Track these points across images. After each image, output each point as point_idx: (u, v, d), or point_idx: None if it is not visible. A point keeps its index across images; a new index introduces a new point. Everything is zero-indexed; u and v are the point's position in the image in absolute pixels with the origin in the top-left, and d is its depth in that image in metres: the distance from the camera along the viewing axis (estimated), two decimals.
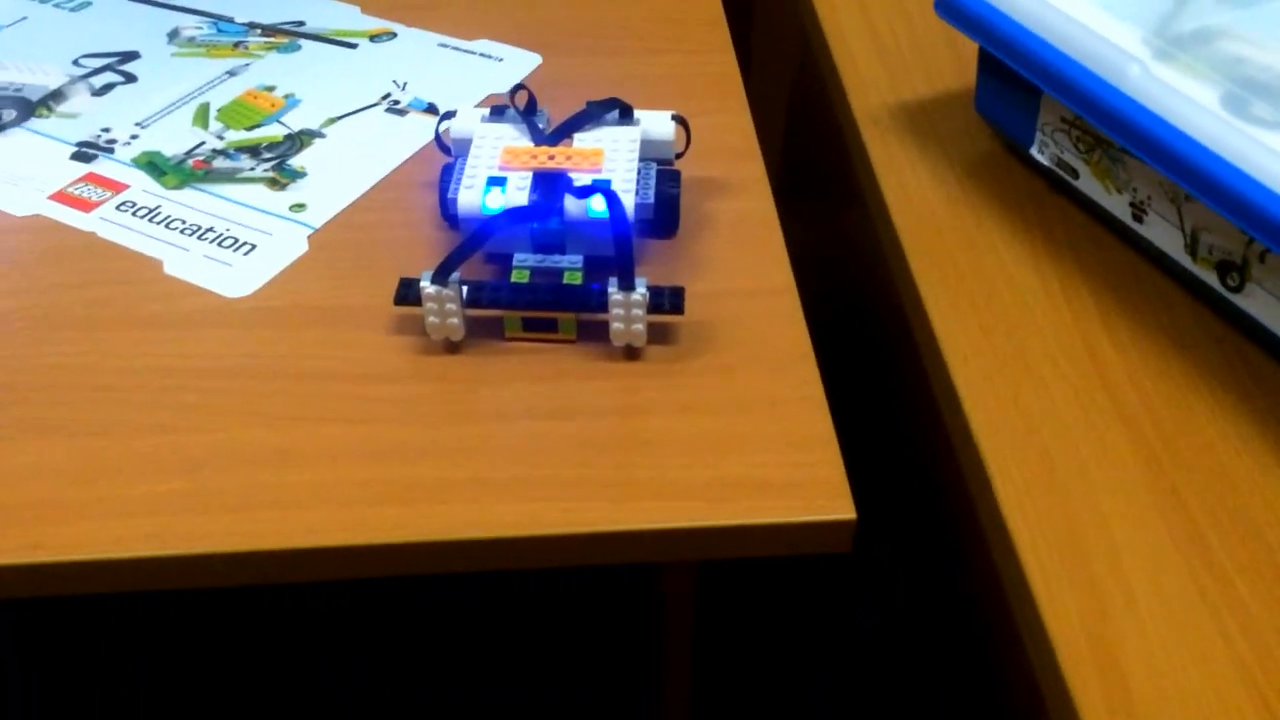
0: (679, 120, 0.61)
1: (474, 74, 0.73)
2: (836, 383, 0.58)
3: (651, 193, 0.58)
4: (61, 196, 0.62)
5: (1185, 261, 0.55)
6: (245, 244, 0.60)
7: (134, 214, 0.61)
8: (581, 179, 0.55)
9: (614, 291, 0.52)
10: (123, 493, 0.47)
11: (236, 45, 0.75)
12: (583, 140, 0.59)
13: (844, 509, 0.47)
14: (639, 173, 0.58)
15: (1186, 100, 0.52)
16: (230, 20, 0.77)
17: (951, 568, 0.62)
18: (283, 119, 0.69)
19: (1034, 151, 0.62)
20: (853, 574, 0.89)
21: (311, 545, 0.46)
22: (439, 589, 1.07)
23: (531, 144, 0.58)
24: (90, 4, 0.79)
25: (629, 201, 0.54)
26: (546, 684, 0.99)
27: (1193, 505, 0.46)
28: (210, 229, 0.61)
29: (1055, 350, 0.53)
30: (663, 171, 0.60)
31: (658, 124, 0.60)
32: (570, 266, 0.55)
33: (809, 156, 1.12)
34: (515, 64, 0.74)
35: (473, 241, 0.52)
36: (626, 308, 0.52)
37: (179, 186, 0.63)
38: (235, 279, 0.58)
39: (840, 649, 0.99)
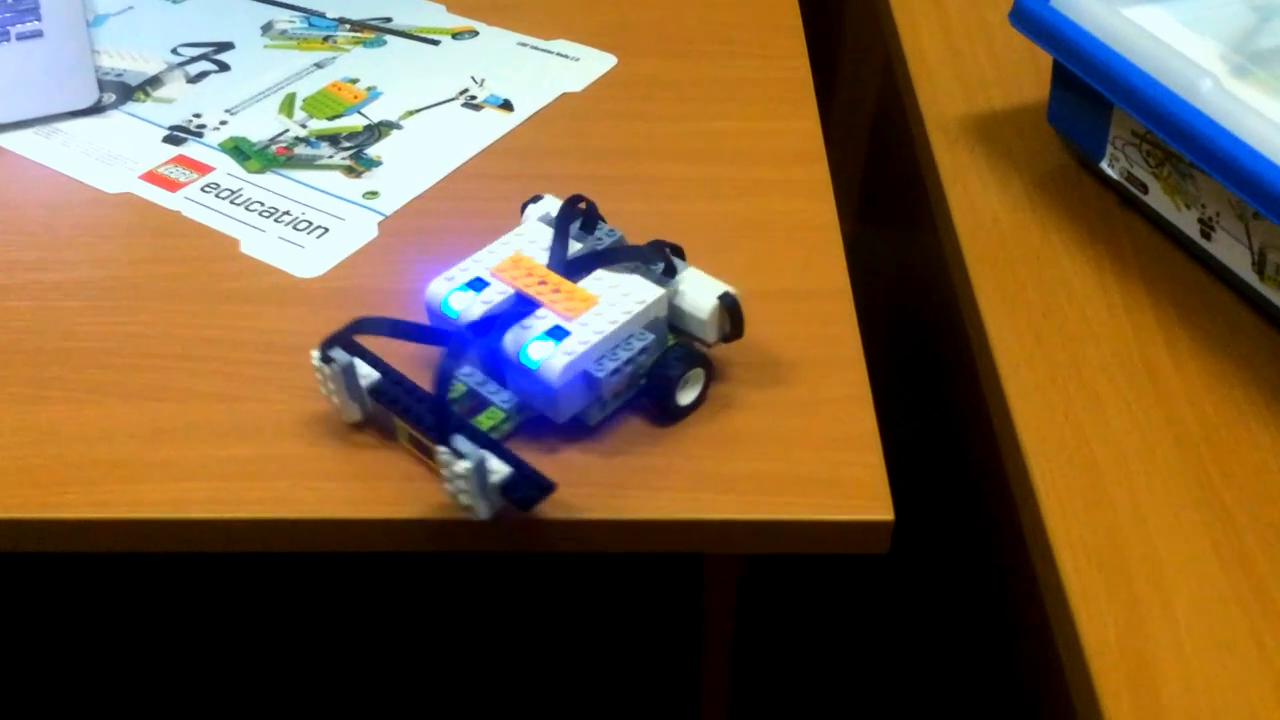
0: (729, 303, 0.50)
1: (550, 72, 0.74)
2: (892, 388, 0.58)
3: (629, 366, 0.49)
4: (151, 176, 0.65)
5: (1252, 280, 0.54)
6: (319, 227, 0.62)
7: (217, 195, 0.64)
8: (544, 320, 0.48)
9: (440, 448, 0.44)
10: (186, 456, 0.50)
11: (326, 39, 0.78)
12: (593, 281, 0.51)
13: (882, 510, 0.47)
14: (629, 340, 0.49)
15: (1258, 116, 0.51)
16: (322, 15, 0.80)
17: (990, 574, 0.61)
18: (363, 110, 0.71)
19: (1104, 165, 0.61)
20: (892, 576, 0.88)
21: (371, 516, 0.47)
22: (484, 571, 1.09)
23: (544, 262, 0.51)
24: None
25: (560, 362, 0.46)
26: (586, 670, 1.00)
27: (1242, 525, 0.45)
28: (287, 212, 0.63)
29: (1112, 364, 0.53)
30: (679, 349, 0.50)
31: (698, 295, 0.50)
32: (500, 405, 0.49)
33: (890, 172, 1.12)
34: (591, 64, 0.75)
35: (393, 329, 0.48)
36: (451, 470, 0.44)
37: (261, 171, 0.66)
38: (307, 260, 0.60)
39: (875, 650, 0.98)
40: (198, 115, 0.70)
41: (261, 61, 0.75)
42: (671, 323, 0.51)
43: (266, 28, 0.79)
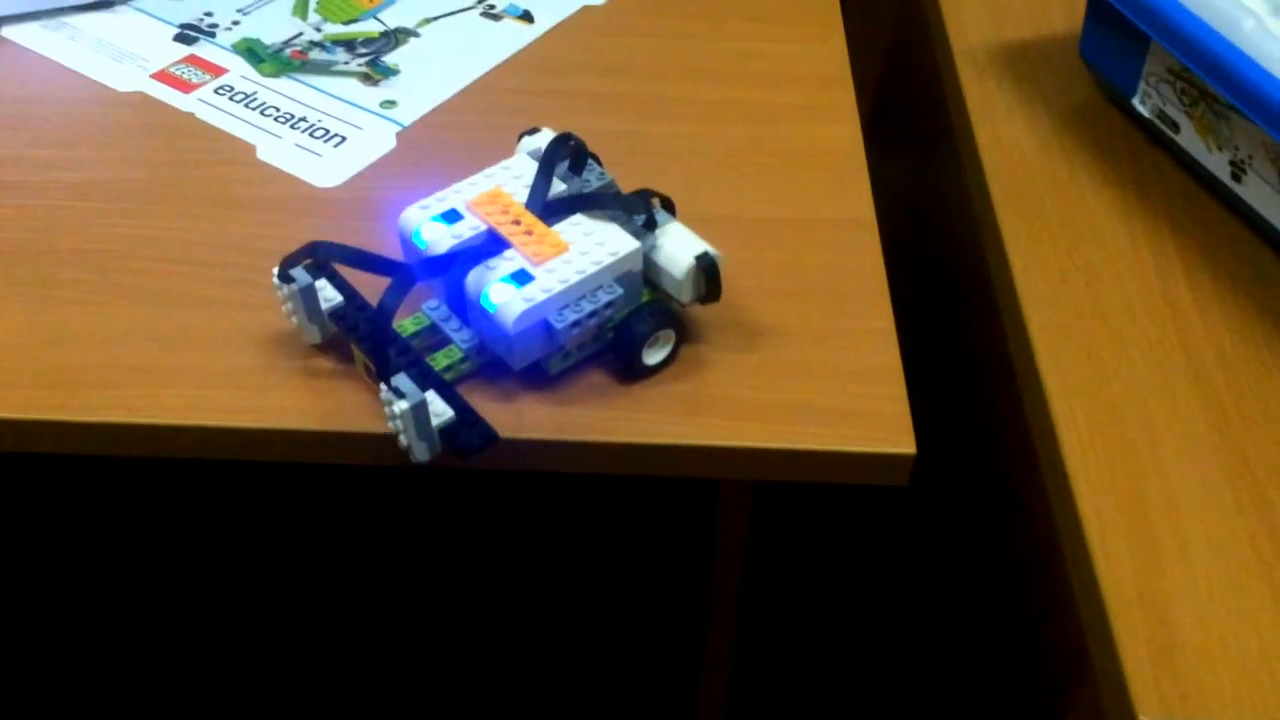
0: (705, 264, 0.48)
1: None
2: (904, 320, 0.58)
3: (592, 319, 0.47)
4: (163, 76, 0.64)
5: None
6: (336, 135, 0.61)
7: (231, 98, 0.63)
8: (511, 261, 0.47)
9: (381, 386, 0.44)
10: (206, 362, 0.49)
11: None
12: (569, 226, 0.48)
13: (905, 443, 0.47)
14: (596, 292, 0.47)
15: None
16: None
17: (1001, 512, 0.62)
18: (379, 15, 0.69)
19: (1136, 102, 0.60)
20: (904, 512, 0.89)
21: (385, 431, 0.47)
22: (507, 489, 1.10)
23: (522, 200, 0.49)
24: None
25: (517, 308, 0.45)
26: (598, 589, 1.01)
27: (1259, 469, 0.46)
28: (303, 118, 0.62)
29: (1135, 303, 0.53)
30: (651, 306, 0.48)
31: (677, 252, 0.48)
32: (459, 344, 0.48)
33: (903, 95, 1.10)
34: None
35: (345, 255, 0.46)
36: (389, 410, 0.44)
37: (275, 75, 0.65)
38: (324, 169, 0.59)
39: (880, 584, 0.99)
40: (209, 14, 0.69)
41: None
42: (648, 278, 0.49)
43: None
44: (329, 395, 0.48)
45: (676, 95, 0.64)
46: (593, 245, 0.48)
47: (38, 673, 0.97)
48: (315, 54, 0.66)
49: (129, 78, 0.64)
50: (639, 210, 0.49)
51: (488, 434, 0.45)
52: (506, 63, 0.66)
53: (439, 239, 0.48)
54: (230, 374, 0.49)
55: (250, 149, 0.60)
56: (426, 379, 0.46)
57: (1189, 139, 0.58)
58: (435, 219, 0.49)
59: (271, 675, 0.97)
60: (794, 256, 0.55)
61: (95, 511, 1.08)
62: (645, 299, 0.49)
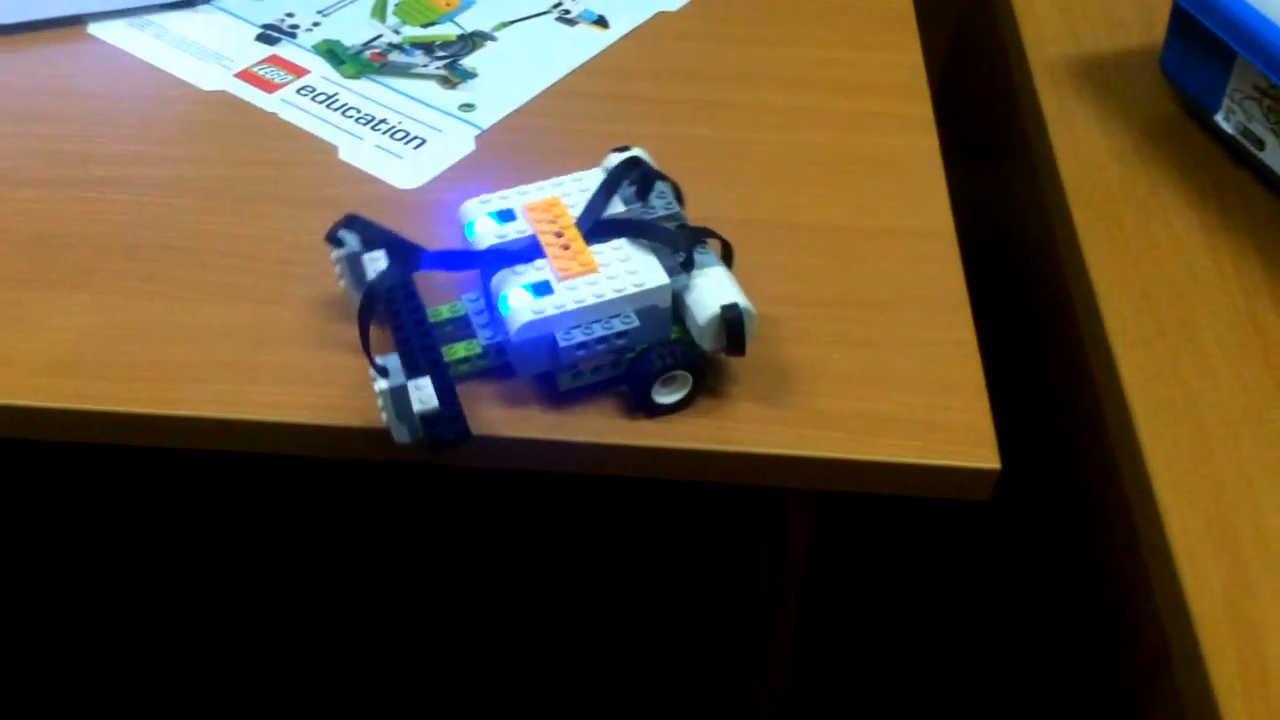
0: (729, 315, 0.46)
1: None
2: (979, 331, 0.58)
3: (601, 345, 0.46)
4: (247, 75, 0.65)
5: None
6: (416, 138, 0.61)
7: (313, 99, 0.64)
8: (539, 271, 0.47)
9: (370, 364, 0.45)
10: (293, 360, 0.50)
11: None
12: (610, 249, 0.48)
13: (989, 458, 0.47)
14: (611, 319, 0.46)
15: None
16: None
17: (1081, 527, 0.61)
18: (456, 19, 0.70)
19: (1219, 118, 0.60)
20: (981, 525, 0.89)
21: (486, 434, 0.48)
22: (584, 491, 1.10)
23: (574, 215, 0.50)
24: None
25: (524, 317, 0.45)
26: (660, 592, 1.02)
27: None
28: (383, 120, 0.62)
29: (1219, 323, 0.52)
30: (674, 346, 0.47)
31: (706, 298, 0.46)
32: (480, 339, 0.48)
33: (965, 104, 1.10)
34: None
35: (366, 227, 0.49)
36: (375, 386, 0.45)
37: (355, 76, 0.65)
38: (405, 170, 0.60)
39: (951, 598, 0.99)
40: (290, 14, 0.69)
41: None
42: (680, 317, 0.48)
43: None
44: None
45: (753, 101, 0.64)
46: (623, 272, 0.47)
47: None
48: (394, 56, 0.67)
49: (213, 77, 0.65)
50: (680, 247, 0.48)
51: (461, 431, 0.45)
52: (582, 67, 0.67)
53: (485, 234, 0.49)
54: (314, 371, 0.50)
55: (332, 149, 0.60)
56: (435, 366, 0.46)
57: (1274, 157, 0.57)
58: (491, 214, 0.50)
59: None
60: (874, 266, 0.55)
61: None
62: (674, 336, 0.48)
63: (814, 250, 0.56)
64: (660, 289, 0.47)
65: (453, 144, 0.61)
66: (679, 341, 0.48)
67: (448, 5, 0.71)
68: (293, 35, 0.68)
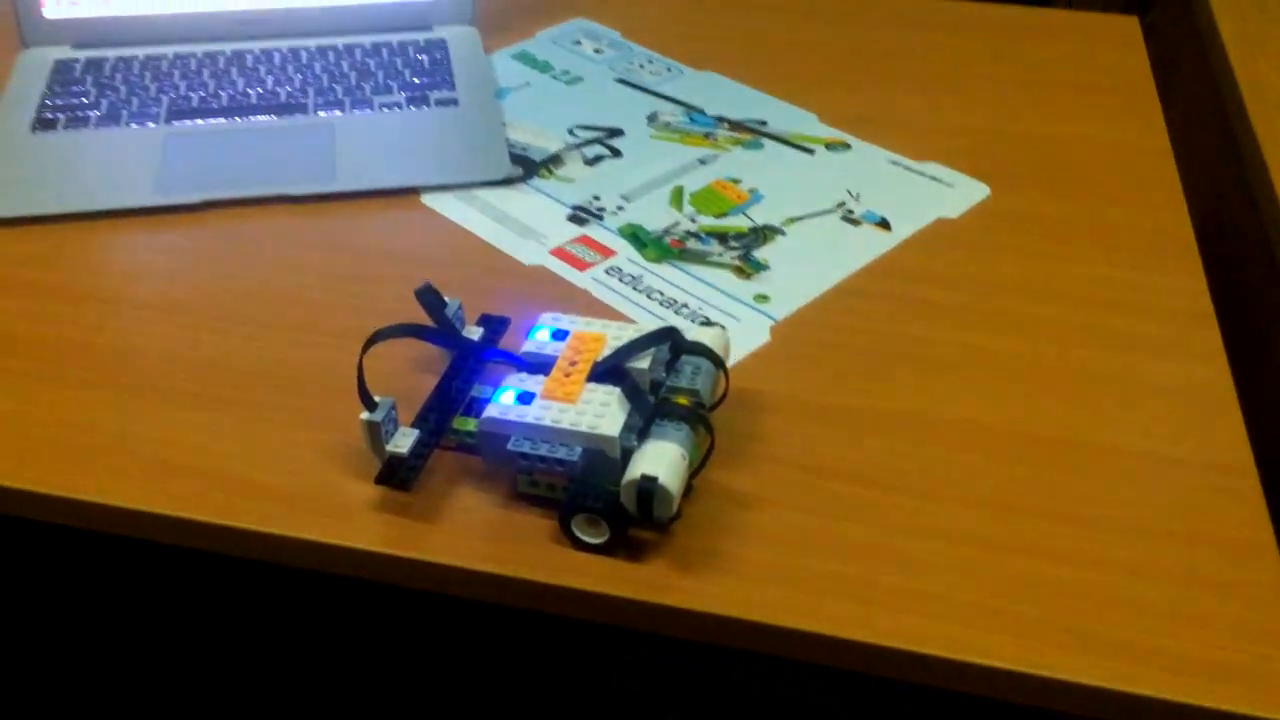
0: (641, 487, 0.50)
1: (924, 196, 0.77)
2: None
3: (541, 464, 0.52)
4: (561, 253, 0.71)
5: None
6: (716, 325, 0.66)
7: (620, 279, 0.69)
8: (537, 384, 0.54)
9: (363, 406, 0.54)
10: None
11: (706, 135, 0.83)
12: (604, 392, 0.54)
13: None
14: (558, 445, 0.52)
15: None
16: (701, 111, 0.85)
17: None
18: (747, 211, 0.75)
19: None
20: None
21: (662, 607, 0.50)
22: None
23: (605, 354, 0.56)
24: (582, 80, 0.89)
25: (492, 411, 0.53)
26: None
27: None
28: (685, 305, 0.67)
29: None
30: (606, 495, 0.51)
31: (640, 463, 0.50)
32: (481, 419, 0.53)
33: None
34: (965, 190, 0.77)
35: (426, 333, 0.58)
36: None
37: (657, 260, 0.71)
38: None
39: None
40: (597, 198, 0.76)
41: (649, 150, 0.81)
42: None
43: (651, 118, 0.84)
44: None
45: (1032, 315, 0.67)
46: (591, 414, 0.52)
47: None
48: (691, 243, 0.72)
49: (532, 252, 0.71)
50: (649, 414, 0.53)
51: (404, 480, 0.54)
52: (867, 267, 0.71)
53: (532, 341, 0.57)
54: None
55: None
56: (434, 430, 0.55)
57: None
58: (549, 328, 0.58)
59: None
60: (1164, 497, 0.56)
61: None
62: (614, 487, 0.52)
63: (1085, 471, 0.57)
64: (608, 439, 0.52)
65: (750, 333, 0.65)
66: (606, 491, 0.52)
67: (739, 198, 0.76)
68: (600, 217, 0.74)
